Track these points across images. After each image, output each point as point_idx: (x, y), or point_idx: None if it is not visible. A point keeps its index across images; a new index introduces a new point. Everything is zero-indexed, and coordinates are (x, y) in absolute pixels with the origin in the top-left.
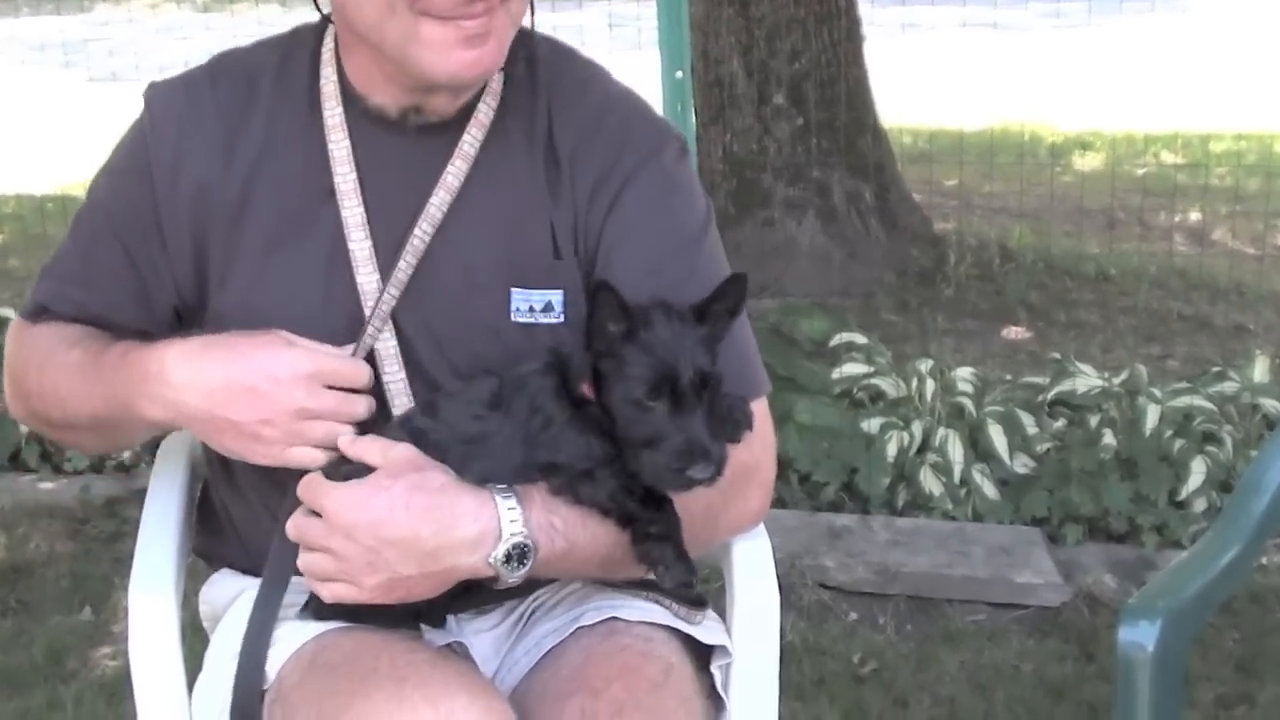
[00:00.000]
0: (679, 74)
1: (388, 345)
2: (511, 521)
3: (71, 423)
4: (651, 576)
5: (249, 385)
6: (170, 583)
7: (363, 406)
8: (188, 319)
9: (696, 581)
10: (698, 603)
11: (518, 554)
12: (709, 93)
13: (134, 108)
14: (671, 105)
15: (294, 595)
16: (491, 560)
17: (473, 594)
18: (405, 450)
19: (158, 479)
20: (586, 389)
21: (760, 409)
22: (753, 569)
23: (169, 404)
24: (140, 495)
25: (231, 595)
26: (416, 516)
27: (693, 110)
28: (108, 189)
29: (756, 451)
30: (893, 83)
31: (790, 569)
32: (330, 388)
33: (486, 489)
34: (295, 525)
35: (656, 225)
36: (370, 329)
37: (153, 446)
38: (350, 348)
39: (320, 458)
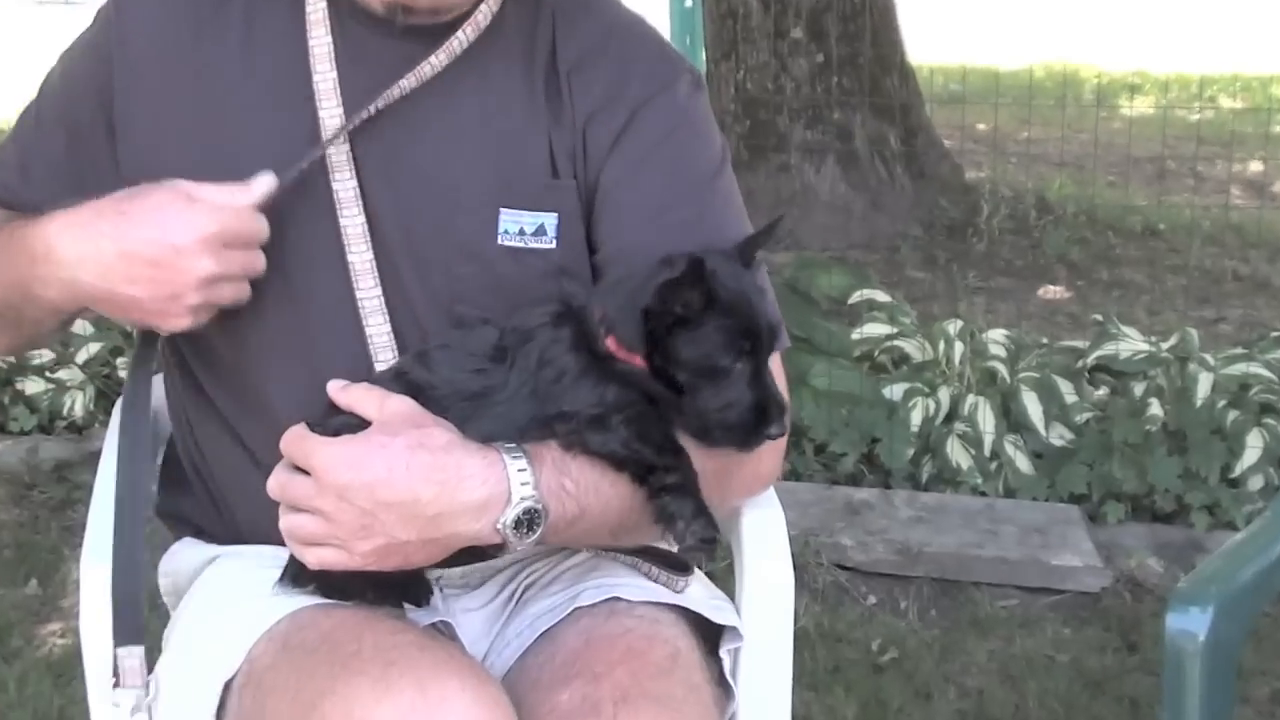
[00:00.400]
0: (688, 2)
1: (363, 259)
2: (522, 484)
3: None
4: (661, 544)
5: (149, 257)
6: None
7: (261, 262)
8: None
9: (720, 538)
10: (681, 568)
11: (527, 520)
12: (720, 25)
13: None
14: (679, 38)
15: (263, 570)
16: (500, 526)
17: (461, 554)
18: (403, 403)
19: (114, 439)
20: (613, 345)
21: (777, 365)
22: (764, 546)
23: (64, 285)
24: (93, 458)
25: (197, 566)
26: (418, 477)
27: (702, 44)
28: (60, 75)
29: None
30: (922, 16)
31: (804, 547)
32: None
33: (494, 448)
34: (278, 482)
35: (666, 164)
36: (311, 157)
37: (108, 406)
38: (261, 181)
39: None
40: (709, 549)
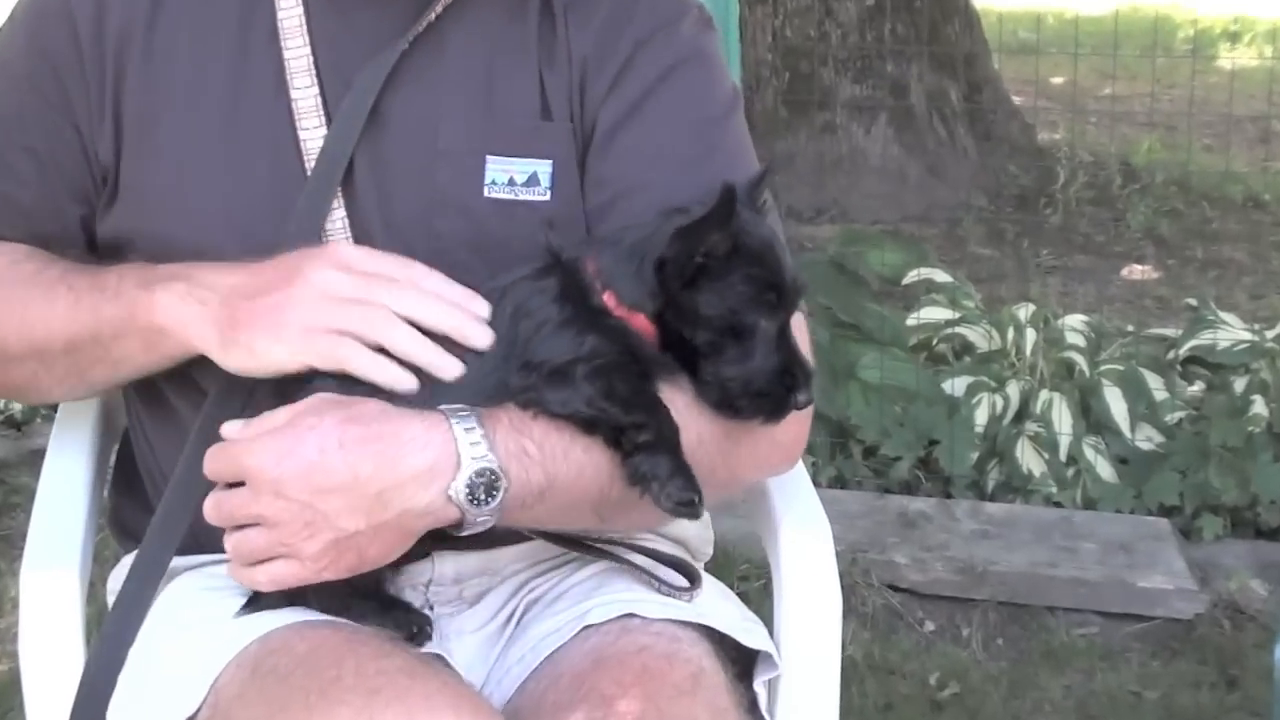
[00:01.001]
0: None
1: (334, 220)
2: (472, 444)
3: (38, 349)
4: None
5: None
6: (74, 564)
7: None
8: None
9: (699, 500)
10: (690, 578)
11: (484, 485)
12: None
13: None
14: None
15: (228, 586)
16: (452, 494)
17: (424, 541)
18: (319, 396)
19: (60, 436)
20: (611, 301)
21: (801, 326)
22: (806, 563)
23: (193, 289)
24: (36, 458)
25: None
26: (353, 453)
27: None
28: (10, 48)
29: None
30: None
31: (851, 565)
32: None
33: (437, 410)
34: (214, 502)
35: (669, 104)
36: (312, 187)
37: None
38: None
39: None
40: (688, 511)
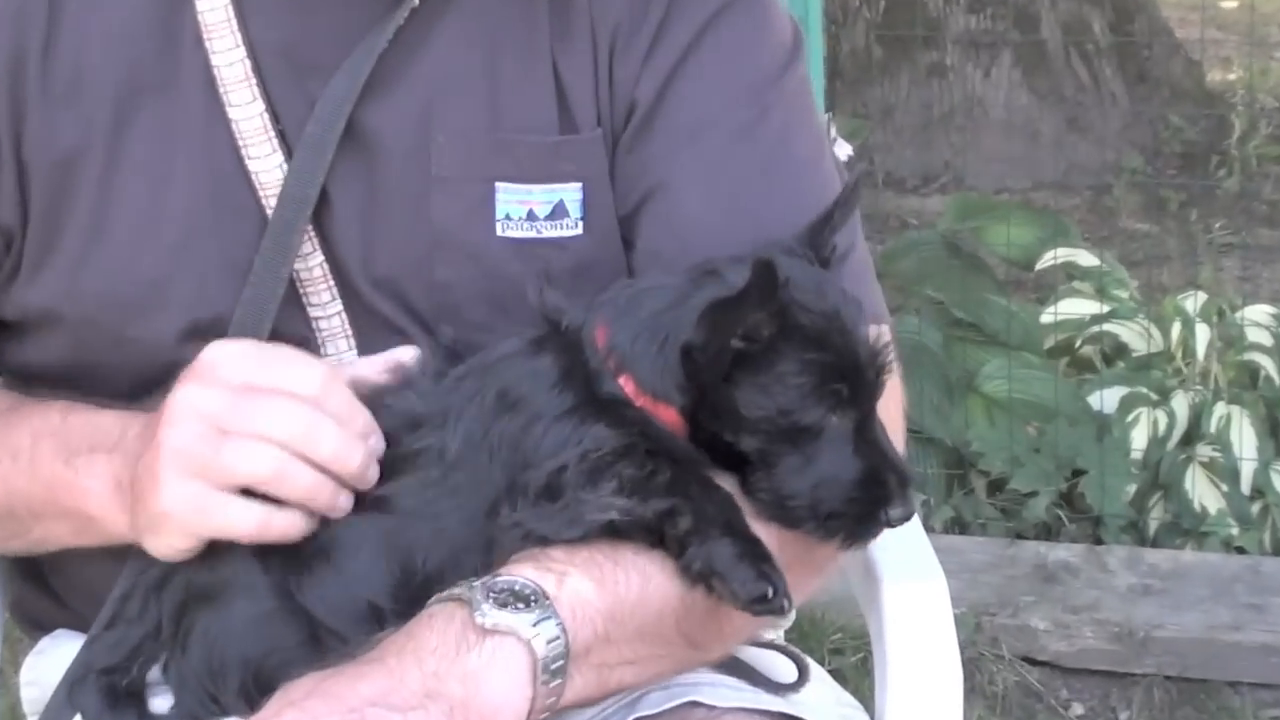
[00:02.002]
0: None
1: (311, 269)
2: (550, 643)
3: None
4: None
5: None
6: None
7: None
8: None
9: (778, 590)
10: (796, 664)
11: (553, 672)
12: None
13: None
14: None
15: None
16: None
17: None
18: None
19: None
20: (630, 389)
21: (893, 393)
22: (917, 631)
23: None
24: None
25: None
26: None
27: None
28: None
29: (890, 409)
30: None
31: (975, 633)
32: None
33: (470, 623)
34: None
35: (709, 64)
36: (270, 243)
37: None
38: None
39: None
40: (767, 609)
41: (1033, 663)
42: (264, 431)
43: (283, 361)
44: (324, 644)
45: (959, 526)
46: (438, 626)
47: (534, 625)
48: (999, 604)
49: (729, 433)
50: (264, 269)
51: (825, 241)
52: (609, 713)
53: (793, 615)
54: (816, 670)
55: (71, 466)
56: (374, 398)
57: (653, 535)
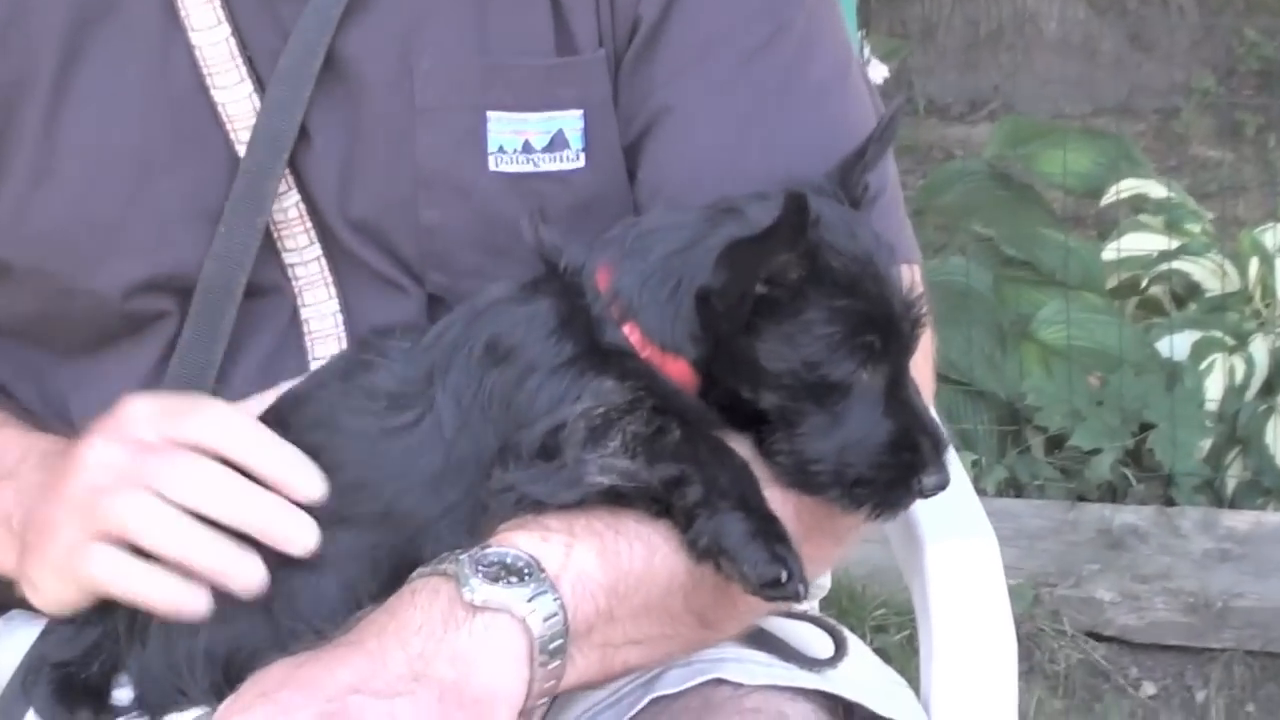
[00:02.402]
0: None
1: (287, 206)
2: (547, 620)
3: None
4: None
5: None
6: None
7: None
8: None
9: (793, 575)
10: (832, 637)
11: (552, 652)
12: None
13: None
14: None
15: None
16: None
17: None
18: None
19: None
20: (635, 338)
21: (924, 349)
22: (964, 602)
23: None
24: None
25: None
26: None
27: None
28: None
29: (920, 364)
30: None
31: (1033, 605)
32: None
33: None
34: None
35: None
36: (243, 188)
37: None
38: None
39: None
40: (777, 594)
41: (1098, 638)
42: (156, 486)
43: (197, 413)
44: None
45: (1014, 488)
46: (421, 603)
47: (529, 601)
48: (1059, 574)
49: (747, 389)
50: (237, 216)
51: (857, 180)
52: (623, 693)
53: (825, 587)
54: (855, 643)
55: None
56: (345, 377)
57: (658, 505)
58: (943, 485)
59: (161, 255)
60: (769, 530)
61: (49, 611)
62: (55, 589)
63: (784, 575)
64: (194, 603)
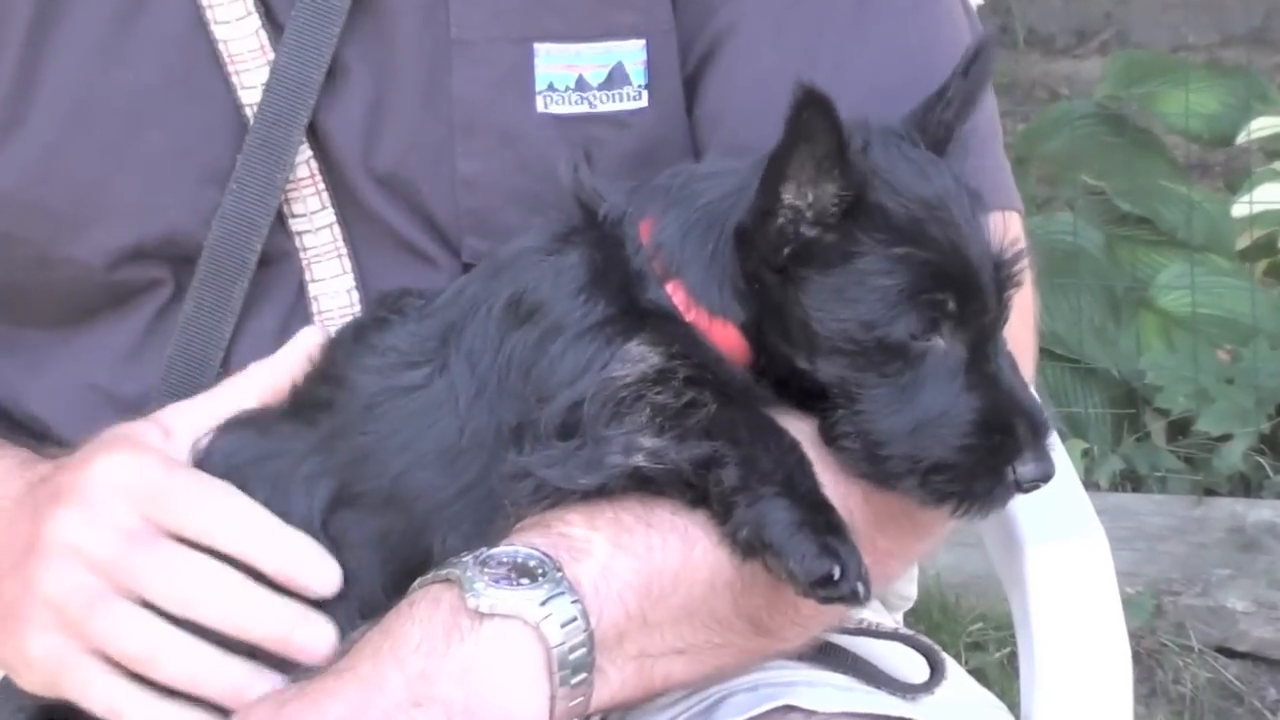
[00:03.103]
0: None
1: (296, 164)
2: (565, 627)
3: None
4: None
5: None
6: None
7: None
8: None
9: (851, 563)
10: (928, 660)
11: (575, 665)
12: None
13: None
14: None
15: None
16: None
17: None
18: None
19: None
20: (679, 298)
21: (1025, 308)
22: (1070, 615)
23: None
24: None
25: None
26: None
27: None
28: None
29: (1017, 330)
30: None
31: (1155, 617)
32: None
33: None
34: None
35: None
36: (258, 140)
37: None
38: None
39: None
40: (828, 594)
41: (1230, 654)
42: (149, 594)
43: (184, 491)
44: None
45: (1131, 482)
46: (420, 616)
47: (542, 604)
48: (1185, 580)
49: (802, 357)
50: (251, 173)
51: (939, 121)
52: (678, 714)
53: (911, 597)
54: (951, 666)
55: None
56: (358, 334)
57: (693, 492)
58: (1044, 476)
59: (151, 218)
60: (818, 519)
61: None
62: (28, 680)
63: (836, 571)
64: None
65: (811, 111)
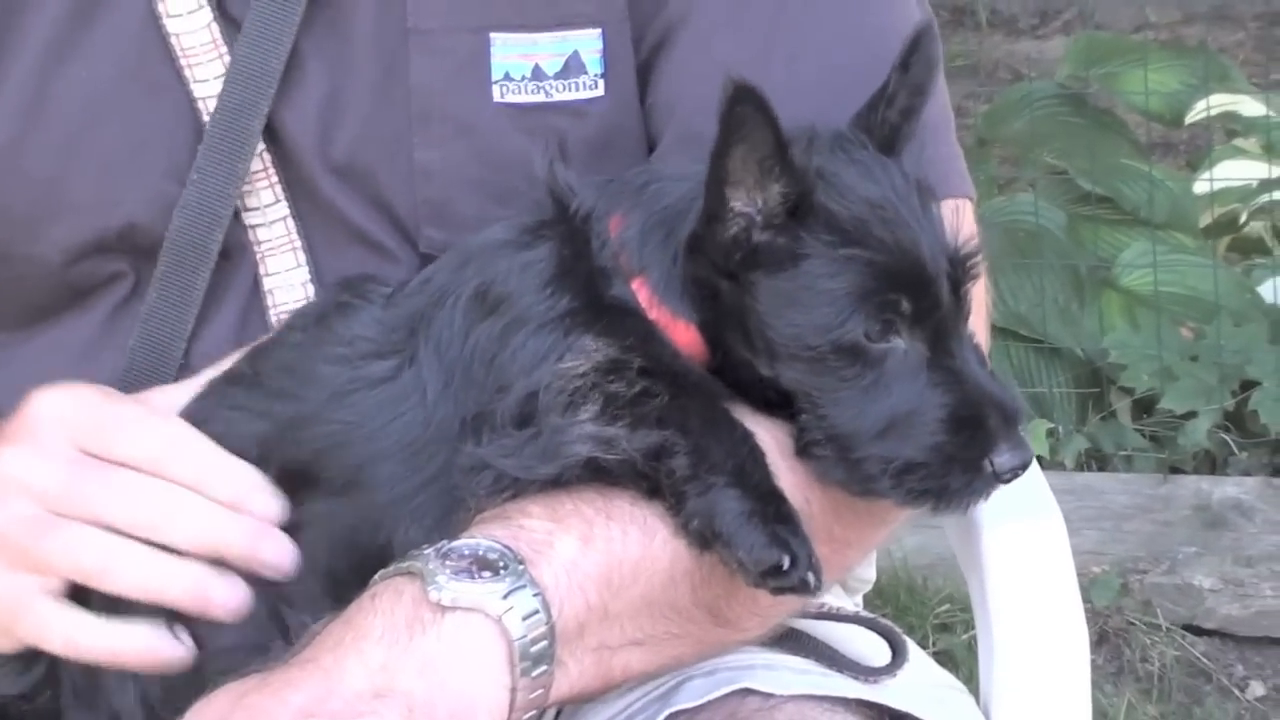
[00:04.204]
0: None
1: (255, 162)
2: (527, 619)
3: None
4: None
5: None
6: None
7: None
8: None
9: (801, 553)
10: (889, 642)
11: (535, 657)
12: None
13: None
14: None
15: None
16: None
17: None
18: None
19: None
20: (644, 295)
21: (956, 222)
22: (1031, 592)
23: None
24: None
25: None
26: None
27: None
28: None
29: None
30: None
31: (1122, 595)
32: None
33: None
34: None
35: None
36: (219, 131)
37: None
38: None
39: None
40: (777, 584)
41: (1197, 632)
42: (98, 514)
43: (128, 420)
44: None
45: (1097, 461)
46: (382, 608)
47: (504, 598)
48: (1151, 558)
49: (763, 363)
50: (211, 165)
51: (883, 119)
52: (635, 709)
53: (869, 580)
54: (913, 649)
55: None
56: (320, 320)
57: (647, 481)
58: (1023, 464)
59: (109, 213)
60: (768, 509)
61: None
62: None
63: (785, 561)
64: (173, 650)
65: (744, 105)
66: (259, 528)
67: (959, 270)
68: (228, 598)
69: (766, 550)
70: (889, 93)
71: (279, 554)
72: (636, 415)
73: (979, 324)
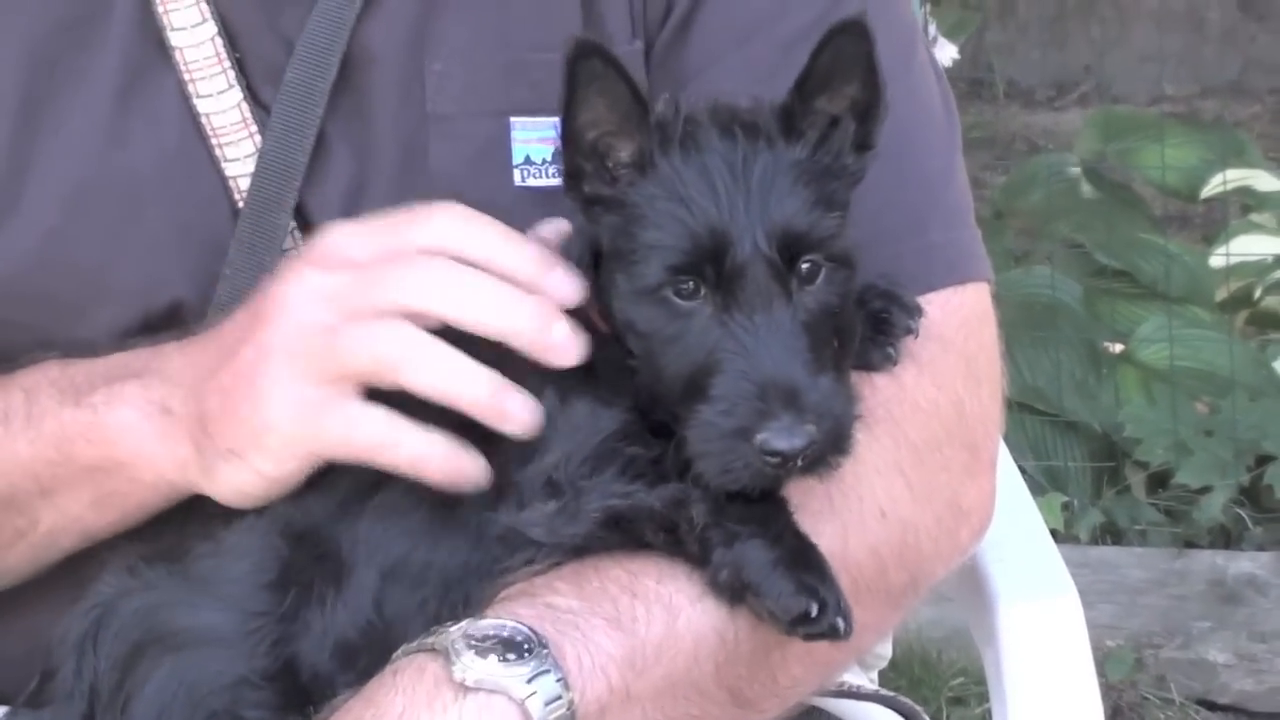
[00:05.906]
0: None
1: (286, 243)
2: (550, 704)
3: None
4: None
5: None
6: None
7: None
8: None
9: (830, 599)
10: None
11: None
12: None
13: None
14: None
15: None
16: None
17: None
18: None
19: None
20: (596, 317)
21: (972, 305)
22: (1046, 669)
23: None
24: None
25: None
26: None
27: None
28: None
29: (956, 388)
30: None
31: (1136, 670)
32: None
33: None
34: None
35: None
36: (249, 225)
37: None
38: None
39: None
40: (808, 630)
41: (1211, 707)
42: (393, 301)
43: (420, 218)
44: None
45: (1111, 535)
46: (404, 685)
47: (528, 682)
48: (1165, 633)
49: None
50: (243, 259)
51: (811, 106)
52: None
53: (885, 656)
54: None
55: (86, 406)
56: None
57: (668, 534)
58: (792, 451)
59: (155, 294)
60: (795, 558)
61: (240, 499)
62: (269, 463)
63: (813, 608)
64: (474, 465)
65: (591, 60)
66: (552, 310)
67: (784, 253)
68: (522, 409)
69: (794, 599)
70: (810, 79)
71: (567, 339)
72: (656, 472)
73: (972, 347)
